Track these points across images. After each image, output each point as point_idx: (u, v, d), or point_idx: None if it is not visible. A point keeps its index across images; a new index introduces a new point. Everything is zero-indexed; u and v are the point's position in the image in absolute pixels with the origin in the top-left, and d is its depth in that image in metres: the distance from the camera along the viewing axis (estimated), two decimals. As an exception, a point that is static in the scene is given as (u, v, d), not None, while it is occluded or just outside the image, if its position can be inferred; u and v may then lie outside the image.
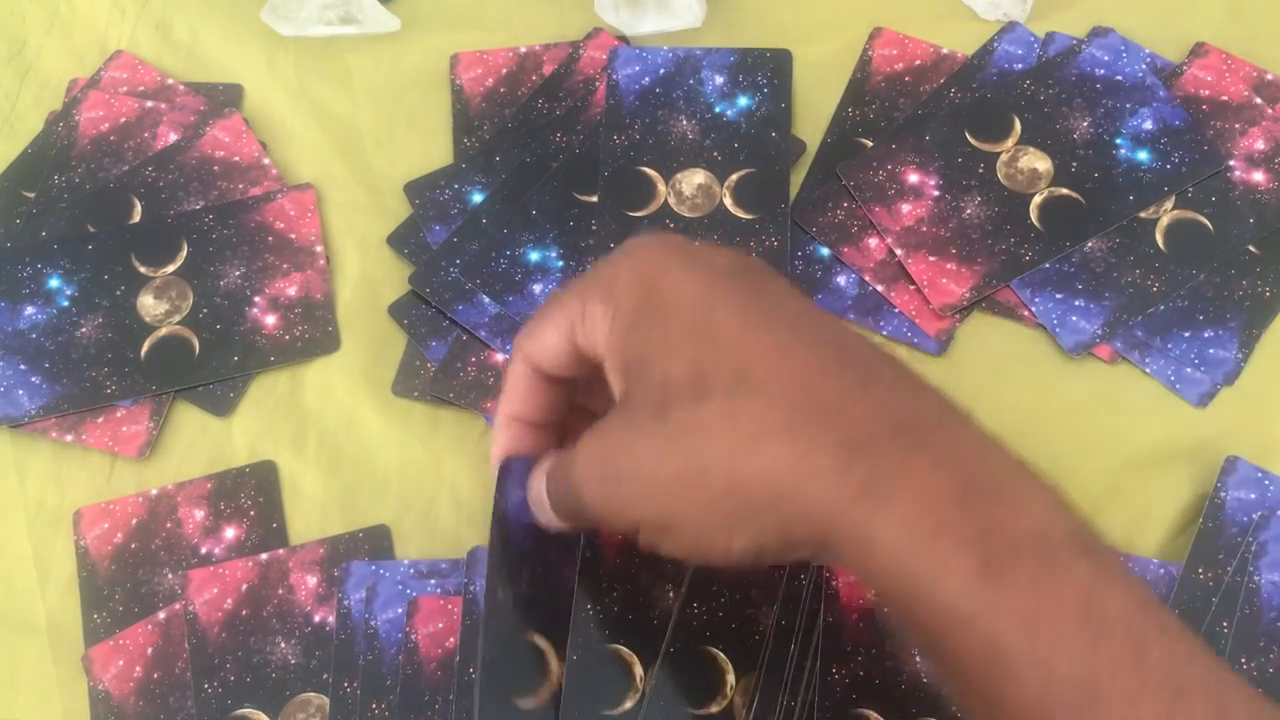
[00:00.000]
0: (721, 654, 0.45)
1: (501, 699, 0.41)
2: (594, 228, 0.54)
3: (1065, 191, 0.54)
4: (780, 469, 0.31)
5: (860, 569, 0.32)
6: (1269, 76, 0.57)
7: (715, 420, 0.32)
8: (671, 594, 0.46)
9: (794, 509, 0.31)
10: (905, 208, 0.53)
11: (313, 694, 0.46)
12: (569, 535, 0.41)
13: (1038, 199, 0.53)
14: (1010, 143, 0.54)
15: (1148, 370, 0.50)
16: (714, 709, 0.44)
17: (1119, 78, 0.56)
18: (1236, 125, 0.55)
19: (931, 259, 0.52)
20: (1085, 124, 0.55)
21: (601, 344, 0.36)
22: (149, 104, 0.59)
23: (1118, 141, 0.55)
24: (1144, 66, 0.57)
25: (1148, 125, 0.55)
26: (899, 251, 0.52)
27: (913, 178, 0.54)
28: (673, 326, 0.34)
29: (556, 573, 0.44)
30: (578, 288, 0.37)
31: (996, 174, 0.54)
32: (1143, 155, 0.54)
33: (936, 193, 0.53)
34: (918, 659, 0.44)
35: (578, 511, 0.37)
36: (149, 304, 0.54)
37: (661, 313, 0.34)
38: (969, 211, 0.53)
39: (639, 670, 0.45)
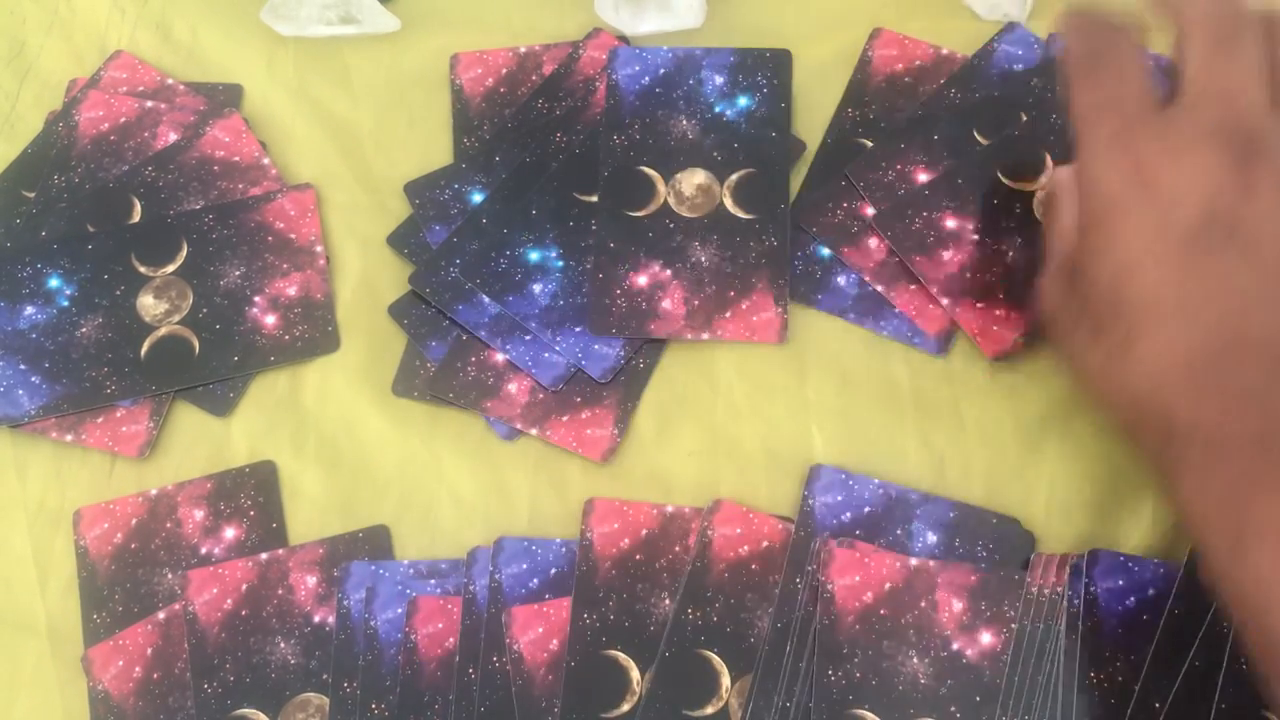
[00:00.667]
0: (716, 657, 0.45)
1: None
2: (594, 228, 0.54)
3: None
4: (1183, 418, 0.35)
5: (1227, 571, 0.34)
6: (1270, 76, 0.56)
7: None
8: (667, 600, 0.46)
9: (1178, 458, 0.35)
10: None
11: (312, 694, 0.47)
12: None
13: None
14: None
15: (1147, 371, 0.50)
16: (710, 710, 0.44)
17: (1120, 77, 0.56)
18: (1238, 125, 0.55)
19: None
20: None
21: None
22: (149, 104, 0.59)
23: (1118, 141, 0.54)
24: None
25: (1148, 125, 0.55)
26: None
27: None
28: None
29: None
30: None
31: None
32: (1143, 155, 0.54)
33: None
34: (914, 660, 0.44)
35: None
36: (149, 304, 0.54)
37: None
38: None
39: (635, 674, 0.45)
